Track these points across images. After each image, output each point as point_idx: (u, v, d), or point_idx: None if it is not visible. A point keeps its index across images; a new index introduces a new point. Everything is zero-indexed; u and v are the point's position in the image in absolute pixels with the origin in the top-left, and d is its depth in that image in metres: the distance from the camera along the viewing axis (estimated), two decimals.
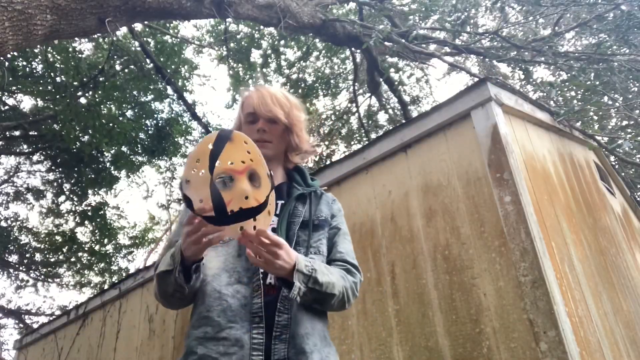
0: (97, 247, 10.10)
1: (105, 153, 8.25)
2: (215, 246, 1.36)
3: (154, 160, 9.09)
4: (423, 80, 9.42)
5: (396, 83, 8.36)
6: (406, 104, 8.27)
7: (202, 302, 1.31)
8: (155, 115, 8.21)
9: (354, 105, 8.75)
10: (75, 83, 7.06)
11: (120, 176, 8.79)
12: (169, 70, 7.21)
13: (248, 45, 8.23)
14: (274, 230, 1.42)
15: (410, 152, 2.55)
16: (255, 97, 1.48)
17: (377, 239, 2.50)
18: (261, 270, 1.33)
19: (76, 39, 7.02)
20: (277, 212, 1.45)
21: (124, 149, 8.18)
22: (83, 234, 10.06)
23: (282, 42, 8.65)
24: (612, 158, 4.87)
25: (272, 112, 1.44)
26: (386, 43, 5.55)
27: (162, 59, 7.33)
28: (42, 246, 10.07)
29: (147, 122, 8.21)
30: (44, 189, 9.05)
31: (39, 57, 7.09)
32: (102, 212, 9.37)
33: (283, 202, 1.48)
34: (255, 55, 8.76)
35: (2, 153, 8.23)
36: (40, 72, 7.21)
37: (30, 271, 10.64)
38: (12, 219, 9.63)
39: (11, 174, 9.02)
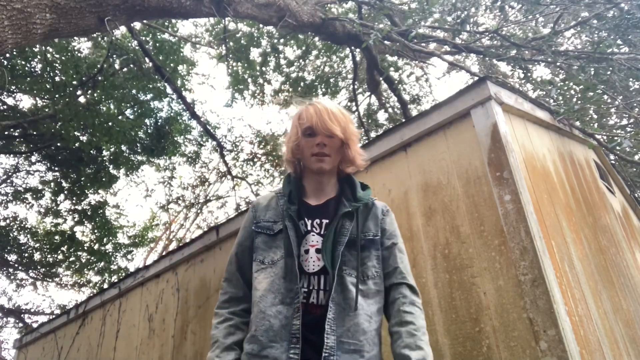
0: (96, 247, 10.09)
1: (104, 152, 8.24)
2: (264, 267, 1.47)
3: (153, 159, 9.08)
4: (423, 79, 9.42)
5: (396, 82, 8.36)
6: (406, 102, 8.27)
7: (252, 321, 1.43)
8: (155, 114, 8.20)
9: (353, 104, 8.74)
10: (75, 82, 7.05)
11: (120, 175, 8.78)
12: (167, 69, 7.20)
13: (247, 44, 8.22)
14: (318, 250, 1.44)
15: (410, 151, 2.55)
16: (312, 112, 1.52)
17: None
18: (304, 290, 1.39)
19: (75, 38, 7.01)
20: (323, 231, 1.47)
21: (123, 148, 8.17)
22: (82, 233, 10.06)
23: (282, 40, 8.64)
24: (611, 157, 4.87)
25: (330, 129, 1.48)
26: (386, 42, 5.54)
27: (161, 58, 7.32)
28: (41, 245, 10.06)
29: (147, 121, 8.20)
30: (43, 188, 9.04)
31: (38, 56, 7.07)
32: (101, 211, 9.37)
33: (328, 221, 1.49)
34: (255, 54, 8.75)
35: (1, 152, 8.21)
36: (39, 71, 7.19)
37: (30, 270, 10.63)
38: (10, 219, 9.62)
39: (10, 173, 9.00)
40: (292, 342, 1.33)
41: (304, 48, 8.89)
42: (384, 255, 1.49)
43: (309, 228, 1.48)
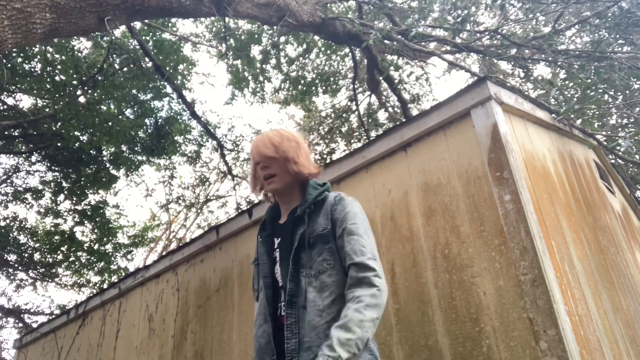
0: (96, 247, 10.09)
1: (104, 152, 8.23)
2: (257, 294, 1.65)
3: (153, 159, 9.08)
4: (423, 79, 9.42)
5: (396, 81, 8.35)
6: (406, 102, 8.27)
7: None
8: (155, 114, 8.20)
9: (353, 103, 8.73)
10: (75, 82, 7.05)
11: (120, 175, 8.78)
12: (168, 69, 7.19)
13: (247, 42, 8.21)
14: (274, 262, 1.59)
15: (410, 151, 2.55)
16: (252, 145, 1.71)
17: (377, 238, 2.50)
18: (283, 303, 1.49)
19: (75, 37, 7.01)
20: (277, 246, 1.62)
21: (123, 147, 8.17)
22: (82, 233, 10.06)
23: (282, 38, 8.63)
24: (611, 156, 4.87)
25: (262, 153, 1.65)
26: (386, 41, 5.54)
27: (160, 57, 7.32)
28: (41, 245, 10.05)
29: (147, 120, 8.20)
30: (43, 188, 9.03)
31: (38, 56, 7.07)
32: (101, 211, 9.36)
33: (280, 238, 1.62)
34: (255, 52, 8.74)
35: (1, 152, 8.21)
36: (39, 71, 7.19)
37: (29, 270, 10.62)
38: (10, 219, 9.62)
39: (10, 173, 9.00)
40: (273, 357, 1.46)
41: (304, 46, 8.88)
42: (339, 244, 1.51)
43: (276, 246, 1.63)
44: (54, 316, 5.25)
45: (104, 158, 8.32)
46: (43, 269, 10.55)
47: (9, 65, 6.58)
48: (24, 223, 9.81)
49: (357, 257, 1.43)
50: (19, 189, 9.16)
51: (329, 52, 9.23)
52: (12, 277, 10.93)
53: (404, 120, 6.91)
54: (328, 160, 9.90)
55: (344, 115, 10.03)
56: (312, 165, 1.69)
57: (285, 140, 1.67)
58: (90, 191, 8.88)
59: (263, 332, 1.51)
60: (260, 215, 3.09)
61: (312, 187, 1.65)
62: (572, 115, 3.24)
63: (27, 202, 9.29)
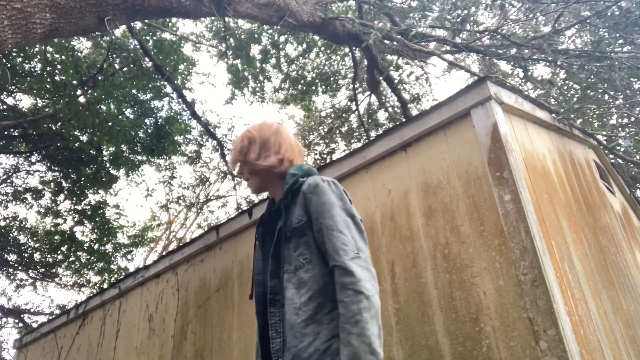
0: (96, 247, 10.09)
1: (104, 152, 8.23)
2: (254, 286, 1.62)
3: (153, 159, 9.08)
4: (423, 79, 9.42)
5: (396, 81, 8.35)
6: (406, 102, 8.27)
7: None
8: (155, 114, 8.20)
9: (353, 103, 8.73)
10: (75, 82, 7.05)
11: (120, 175, 8.78)
12: (168, 69, 7.19)
13: (247, 41, 8.21)
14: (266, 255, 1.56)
15: (410, 151, 2.55)
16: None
17: (377, 238, 2.50)
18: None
19: (75, 37, 7.01)
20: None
21: (123, 147, 8.17)
22: (82, 233, 10.06)
23: (282, 38, 8.63)
24: (611, 156, 4.87)
25: (231, 162, 1.70)
26: (386, 41, 5.54)
27: (160, 57, 7.32)
28: (41, 245, 10.05)
29: (147, 120, 8.20)
30: (43, 188, 9.03)
31: (38, 55, 7.07)
32: (101, 211, 9.36)
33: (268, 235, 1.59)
34: (255, 51, 8.75)
35: (1, 152, 8.21)
36: (39, 71, 7.19)
37: (29, 270, 10.62)
38: (10, 219, 9.62)
39: (10, 173, 9.00)
40: (259, 358, 1.48)
41: (304, 46, 8.88)
42: (318, 238, 1.39)
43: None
44: (54, 316, 5.25)
45: (104, 158, 8.32)
46: (43, 269, 10.55)
47: (9, 65, 6.58)
48: (24, 223, 9.82)
49: (339, 257, 1.31)
50: (19, 189, 9.16)
51: (328, 52, 9.23)
52: (12, 277, 10.94)
53: (404, 120, 6.91)
54: (328, 160, 9.91)
55: (343, 115, 10.03)
56: (273, 156, 1.60)
57: (242, 142, 1.66)
58: (90, 191, 8.87)
59: (258, 331, 1.51)
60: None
61: (290, 175, 1.57)
62: (572, 115, 3.24)
63: (27, 202, 9.29)
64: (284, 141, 1.65)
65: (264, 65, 8.94)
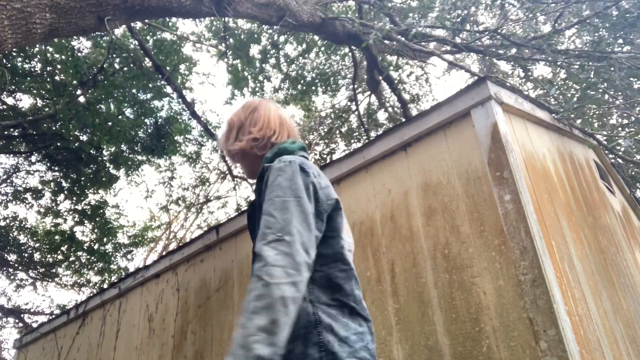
0: (96, 247, 10.09)
1: (104, 152, 8.24)
2: None
3: (153, 159, 9.08)
4: (423, 79, 9.42)
5: (396, 81, 8.36)
6: (406, 102, 8.27)
7: None
8: (155, 114, 8.20)
9: (353, 103, 8.74)
10: (75, 82, 7.05)
11: (120, 175, 8.78)
12: (168, 68, 7.19)
13: (247, 41, 8.21)
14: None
15: (410, 151, 2.55)
16: None
17: (377, 238, 2.50)
18: None
19: (75, 37, 7.01)
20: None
21: (123, 147, 8.17)
22: (82, 233, 10.07)
23: (282, 38, 8.64)
24: (611, 156, 4.87)
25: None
26: (386, 41, 5.54)
27: (161, 57, 7.32)
28: (41, 245, 10.06)
29: (147, 120, 8.20)
30: (43, 188, 9.04)
31: (38, 55, 7.07)
32: (101, 211, 9.36)
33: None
34: (254, 51, 8.75)
35: (1, 152, 8.21)
36: (39, 71, 7.19)
37: (30, 270, 10.63)
38: (10, 219, 9.62)
39: (10, 173, 9.00)
40: None
41: (304, 46, 8.89)
42: None
43: None
44: (54, 316, 5.25)
45: (104, 158, 8.33)
46: (43, 269, 10.56)
47: (9, 65, 6.58)
48: (24, 223, 9.82)
49: (258, 243, 1.18)
50: (19, 188, 9.16)
51: (328, 52, 9.24)
52: (12, 277, 10.94)
53: (403, 120, 6.91)
54: (328, 160, 9.91)
55: (343, 115, 10.03)
56: (244, 137, 1.58)
57: (225, 129, 1.71)
58: (90, 191, 8.88)
59: None
60: None
61: (265, 159, 1.52)
62: (572, 115, 3.24)
63: (27, 202, 9.29)
64: (260, 118, 1.60)
65: (263, 65, 8.95)
